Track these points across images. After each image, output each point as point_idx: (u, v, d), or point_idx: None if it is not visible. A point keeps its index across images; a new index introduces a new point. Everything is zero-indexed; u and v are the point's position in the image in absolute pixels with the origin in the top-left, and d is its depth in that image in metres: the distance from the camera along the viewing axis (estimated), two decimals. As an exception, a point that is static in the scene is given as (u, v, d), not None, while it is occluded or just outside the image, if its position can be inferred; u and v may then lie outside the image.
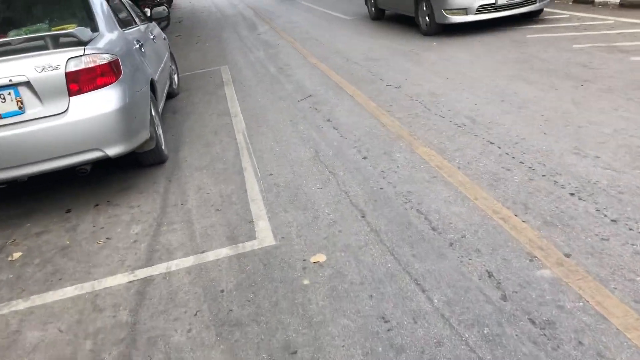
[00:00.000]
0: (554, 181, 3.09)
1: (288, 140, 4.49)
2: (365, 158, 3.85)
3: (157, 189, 3.91)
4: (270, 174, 3.84)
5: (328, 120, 4.84)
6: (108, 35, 3.95)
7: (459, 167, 3.45)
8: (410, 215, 2.95)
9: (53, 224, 3.56)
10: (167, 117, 5.77)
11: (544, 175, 3.18)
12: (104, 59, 3.54)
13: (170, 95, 6.45)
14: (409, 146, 3.92)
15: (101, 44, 3.64)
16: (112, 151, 3.61)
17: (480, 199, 3.00)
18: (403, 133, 4.21)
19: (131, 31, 4.59)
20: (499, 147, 3.67)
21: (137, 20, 5.22)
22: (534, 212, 2.79)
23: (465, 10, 7.38)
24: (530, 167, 3.30)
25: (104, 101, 3.51)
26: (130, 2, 5.70)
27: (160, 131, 4.50)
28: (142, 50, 4.51)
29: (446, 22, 7.56)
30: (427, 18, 7.98)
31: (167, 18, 13.27)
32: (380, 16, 10.33)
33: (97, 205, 3.81)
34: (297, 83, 6.41)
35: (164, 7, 6.00)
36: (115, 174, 4.22)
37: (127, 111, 3.61)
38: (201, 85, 7.13)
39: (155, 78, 4.67)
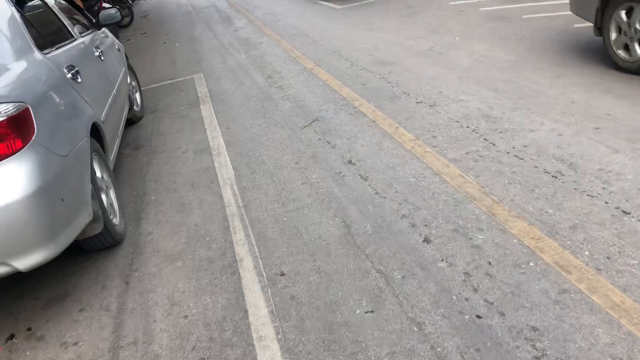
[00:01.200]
0: None
1: (298, 199, 3.11)
2: (427, 241, 2.50)
3: (106, 302, 2.51)
4: (282, 274, 2.47)
5: (349, 162, 3.46)
6: (13, 67, 2.50)
7: (612, 281, 2.12)
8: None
9: None
10: (123, 156, 4.32)
11: None
12: (0, 112, 2.13)
13: (131, 122, 4.99)
14: (491, 217, 2.58)
15: (-7, 86, 2.22)
16: (25, 262, 2.22)
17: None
18: (472, 190, 2.86)
19: (60, 52, 3.13)
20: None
21: (74, 31, 3.72)
22: None
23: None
24: None
25: (2, 185, 2.09)
26: (66, 3, 4.18)
27: (113, 196, 3.08)
28: (79, 78, 3.05)
29: None
30: None
31: (131, 13, 11.62)
32: None
33: (11, 337, 2.40)
34: (294, 99, 4.99)
35: (116, 8, 4.49)
36: (43, 266, 2.78)
37: (46, 195, 2.21)
38: (171, 102, 5.66)
39: (102, 118, 3.23)
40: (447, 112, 4.01)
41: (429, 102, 4.27)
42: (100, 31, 4.46)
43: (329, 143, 3.84)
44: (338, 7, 9.75)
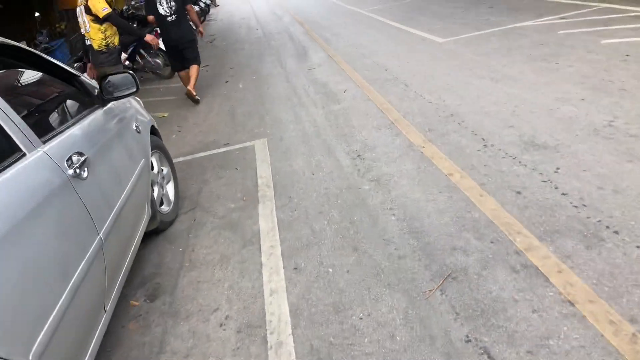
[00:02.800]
0: None
1: None
2: None
3: None
4: None
5: None
6: None
7: None
8: None
9: None
10: (129, 312, 2.61)
11: None
12: None
13: (154, 231, 3.31)
14: None
15: None
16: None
17: None
18: None
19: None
20: None
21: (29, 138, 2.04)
22: None
23: None
24: None
25: None
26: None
27: None
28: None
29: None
30: None
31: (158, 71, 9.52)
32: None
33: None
34: (402, 213, 3.13)
35: (128, 73, 2.82)
36: None
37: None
38: (219, 191, 4.00)
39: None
40: None
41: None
42: (105, 108, 2.79)
43: (484, 351, 1.90)
44: (440, 40, 7.78)
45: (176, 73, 6.94)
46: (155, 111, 6.85)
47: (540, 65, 5.56)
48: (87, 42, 5.41)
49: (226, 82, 7.91)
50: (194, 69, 6.58)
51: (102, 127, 2.61)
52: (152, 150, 3.40)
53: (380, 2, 13.75)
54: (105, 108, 2.81)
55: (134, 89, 2.80)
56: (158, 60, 8.74)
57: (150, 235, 3.41)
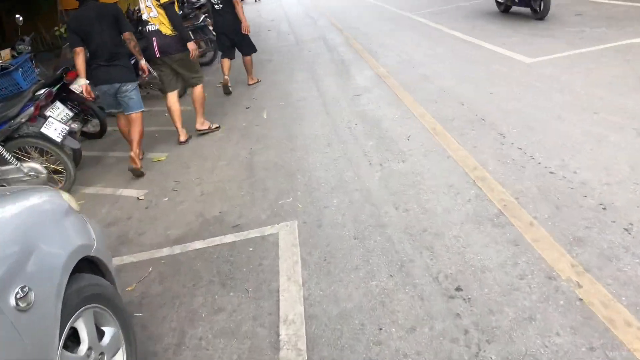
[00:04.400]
0: None
1: None
2: None
3: None
4: None
5: None
6: None
7: None
8: None
9: None
10: None
11: None
12: None
13: None
14: None
15: None
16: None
17: None
18: None
19: None
20: None
21: None
22: None
23: None
24: None
25: None
26: None
27: None
28: None
29: None
30: None
31: (213, 49, 8.52)
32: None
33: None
34: None
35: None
36: None
37: None
38: (215, 347, 2.21)
39: None
40: None
41: None
42: None
43: None
44: (526, 60, 5.88)
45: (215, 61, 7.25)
46: (152, 148, 5.22)
47: None
48: (152, 28, 4.83)
49: (247, 108, 6.21)
50: (246, 63, 6.99)
51: None
52: (85, 305, 1.72)
53: (430, 4, 11.83)
54: None
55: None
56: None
57: None
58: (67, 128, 4.33)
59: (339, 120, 5.07)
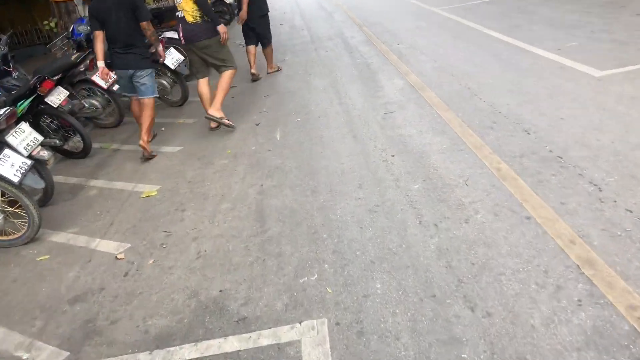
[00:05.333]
0: None
1: None
2: None
3: None
4: None
5: None
6: None
7: None
8: None
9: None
10: None
11: None
12: None
13: None
14: None
15: None
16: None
17: None
18: None
19: None
20: None
21: None
22: None
23: None
24: None
25: None
26: None
27: None
28: None
29: None
30: None
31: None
32: None
33: None
34: None
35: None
36: None
37: None
38: None
39: None
40: None
41: None
42: None
43: None
44: (596, 73, 4.84)
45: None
46: (141, 178, 4.27)
47: None
48: (180, 15, 4.83)
49: (257, 124, 5.23)
50: (267, 52, 6.91)
51: None
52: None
53: (459, -2, 10.74)
54: None
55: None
56: (163, 81, 6.31)
57: None
58: (29, 162, 3.39)
59: (371, 148, 4.09)
